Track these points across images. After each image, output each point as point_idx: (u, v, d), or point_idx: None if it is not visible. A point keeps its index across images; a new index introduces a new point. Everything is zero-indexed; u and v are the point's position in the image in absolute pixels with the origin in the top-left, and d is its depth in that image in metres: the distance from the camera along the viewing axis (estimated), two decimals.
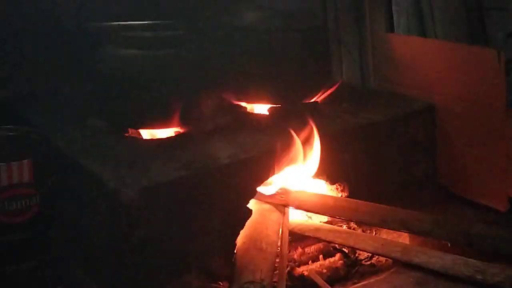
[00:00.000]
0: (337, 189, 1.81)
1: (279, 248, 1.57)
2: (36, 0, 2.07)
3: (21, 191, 1.56)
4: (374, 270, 1.60)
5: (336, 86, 2.02)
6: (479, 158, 1.88)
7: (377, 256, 1.64)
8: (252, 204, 1.63)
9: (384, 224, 1.67)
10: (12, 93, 2.00)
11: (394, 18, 2.45)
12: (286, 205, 1.72)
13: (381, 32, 2.45)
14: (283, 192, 1.74)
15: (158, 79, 1.72)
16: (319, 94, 1.99)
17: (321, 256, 1.64)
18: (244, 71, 1.91)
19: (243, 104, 1.97)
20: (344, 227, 1.75)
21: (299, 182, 1.75)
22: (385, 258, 1.61)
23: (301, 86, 1.93)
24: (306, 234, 1.68)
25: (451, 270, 1.47)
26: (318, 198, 1.76)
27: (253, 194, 1.60)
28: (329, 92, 1.99)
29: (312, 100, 1.98)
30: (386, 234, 1.74)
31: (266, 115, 1.90)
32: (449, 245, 1.58)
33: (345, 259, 1.63)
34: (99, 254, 1.58)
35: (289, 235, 1.63)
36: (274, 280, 1.46)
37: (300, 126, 1.69)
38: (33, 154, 1.60)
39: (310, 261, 1.63)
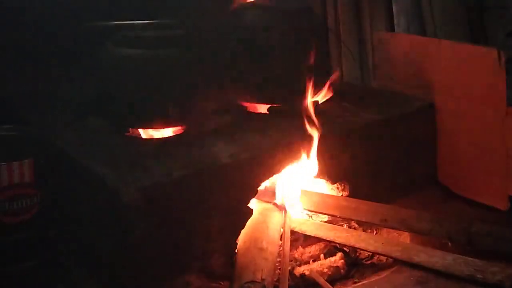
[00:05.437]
0: (337, 188, 1.81)
1: (280, 248, 1.57)
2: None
3: (21, 191, 1.56)
4: (375, 269, 1.60)
5: (333, 78, 2.02)
6: (479, 157, 1.88)
7: (377, 255, 1.64)
8: (253, 203, 1.63)
9: (384, 223, 1.68)
10: (12, 93, 2.00)
11: (394, 17, 2.46)
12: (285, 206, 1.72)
13: (381, 31, 2.46)
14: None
15: (158, 79, 1.72)
16: (319, 93, 1.99)
17: (322, 256, 1.64)
18: (244, 70, 1.91)
19: (243, 103, 1.97)
20: (345, 226, 1.75)
21: (300, 182, 1.75)
22: (385, 257, 1.61)
23: (301, 85, 1.92)
24: (307, 233, 1.68)
25: (451, 269, 1.47)
26: (319, 198, 1.76)
27: (254, 193, 1.60)
28: (327, 84, 1.99)
29: (312, 99, 1.97)
30: (386, 233, 1.75)
31: (266, 114, 1.90)
32: (449, 244, 1.59)
33: (346, 259, 1.63)
34: (99, 254, 1.58)
35: (290, 235, 1.63)
36: (275, 279, 1.46)
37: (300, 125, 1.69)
38: (34, 154, 1.59)
39: (311, 261, 1.63)
